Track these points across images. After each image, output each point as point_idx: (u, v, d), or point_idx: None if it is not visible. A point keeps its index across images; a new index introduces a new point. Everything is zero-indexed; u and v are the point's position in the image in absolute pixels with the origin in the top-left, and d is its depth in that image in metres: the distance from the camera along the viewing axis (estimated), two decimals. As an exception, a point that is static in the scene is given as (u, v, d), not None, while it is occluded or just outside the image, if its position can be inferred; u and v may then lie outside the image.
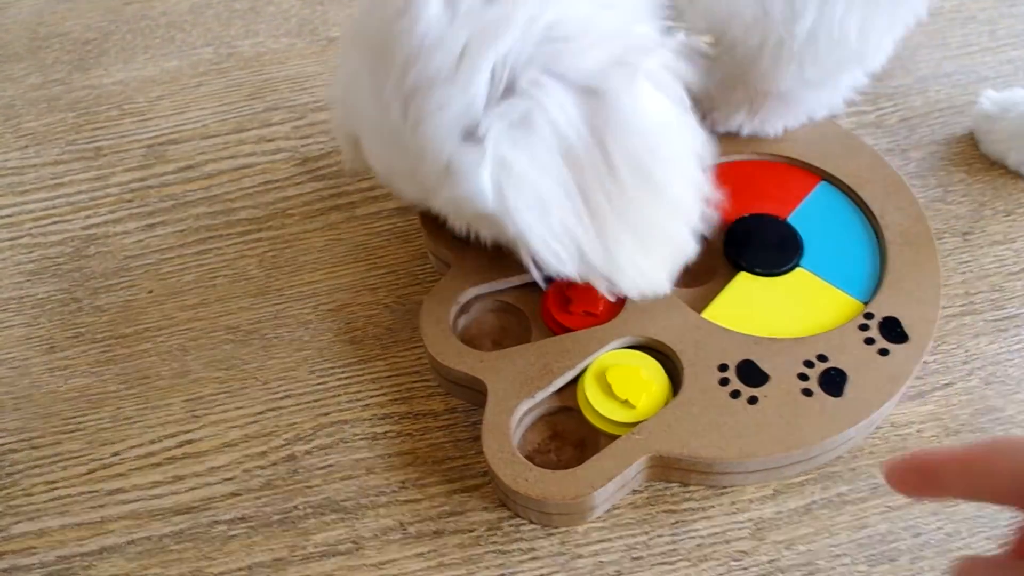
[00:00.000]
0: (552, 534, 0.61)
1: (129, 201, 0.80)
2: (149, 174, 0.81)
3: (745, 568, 0.58)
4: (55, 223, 0.79)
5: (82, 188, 0.81)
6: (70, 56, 0.91)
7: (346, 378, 0.69)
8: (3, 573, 0.62)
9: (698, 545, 0.59)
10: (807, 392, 0.61)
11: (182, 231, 0.77)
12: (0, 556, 0.63)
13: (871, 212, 0.70)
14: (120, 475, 0.66)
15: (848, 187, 0.71)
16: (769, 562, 0.59)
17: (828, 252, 0.68)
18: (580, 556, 0.60)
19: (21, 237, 0.78)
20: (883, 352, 0.63)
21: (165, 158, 0.82)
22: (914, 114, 0.81)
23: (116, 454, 0.67)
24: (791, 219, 0.70)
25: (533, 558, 0.60)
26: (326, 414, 0.67)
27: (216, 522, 0.63)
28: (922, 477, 0.36)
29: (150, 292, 0.74)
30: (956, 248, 0.73)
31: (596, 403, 0.60)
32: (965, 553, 0.60)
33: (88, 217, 0.79)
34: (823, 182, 0.72)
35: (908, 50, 0.86)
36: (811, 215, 0.70)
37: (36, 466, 0.66)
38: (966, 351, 0.68)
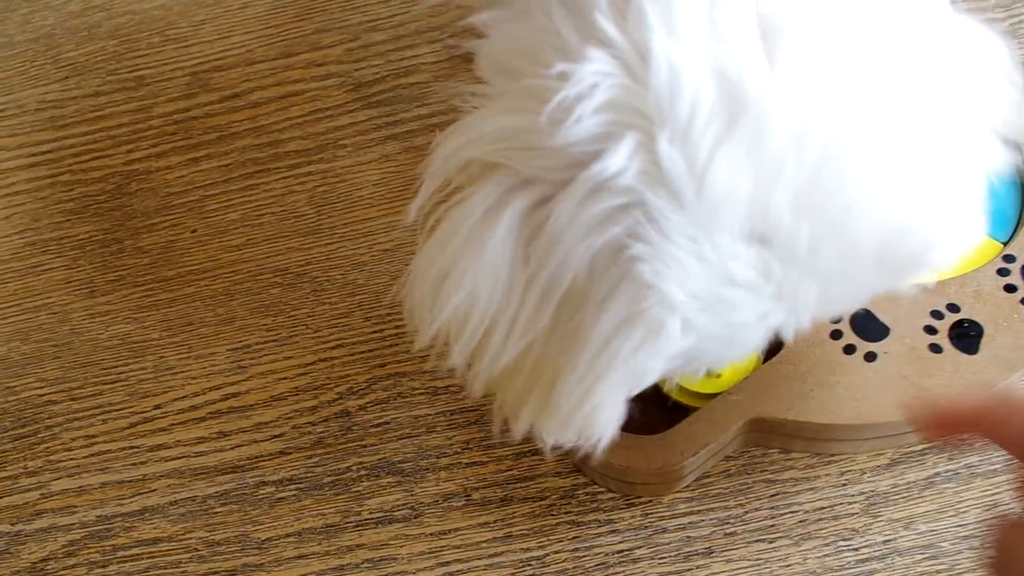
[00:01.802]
0: (634, 504, 0.52)
1: (172, 134, 0.71)
2: (193, 104, 0.72)
3: (856, 549, 0.49)
4: (96, 158, 0.71)
5: (123, 121, 0.73)
6: None
7: (405, 325, 0.60)
8: (42, 532, 0.56)
9: (801, 521, 0.50)
10: (935, 348, 0.50)
11: (227, 165, 0.69)
12: (39, 514, 0.56)
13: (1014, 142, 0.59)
14: (162, 430, 0.58)
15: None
16: (884, 543, 0.49)
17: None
18: (665, 530, 0.51)
19: (61, 174, 0.70)
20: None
21: (209, 86, 0.73)
22: (1036, 26, 0.69)
23: (158, 407, 0.59)
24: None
25: (612, 531, 0.51)
26: (382, 365, 0.59)
27: (263, 483, 0.56)
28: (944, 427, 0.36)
29: (194, 232, 0.66)
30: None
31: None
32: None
33: (130, 151, 0.71)
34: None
35: None
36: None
37: (76, 419, 0.59)
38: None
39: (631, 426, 0.50)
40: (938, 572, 0.49)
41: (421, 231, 0.40)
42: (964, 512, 0.50)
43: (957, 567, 0.49)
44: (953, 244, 0.36)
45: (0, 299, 0.65)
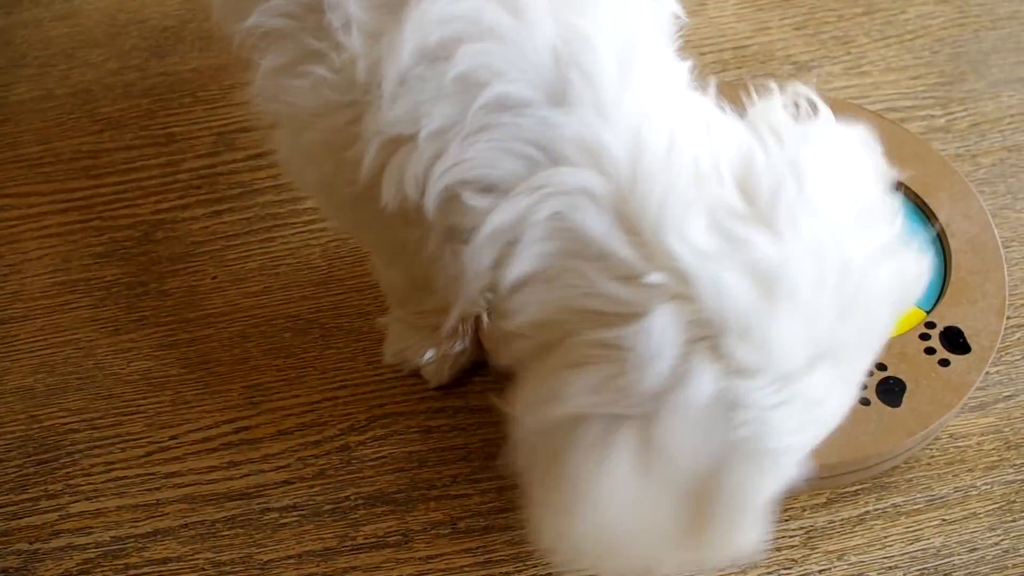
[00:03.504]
0: (601, 536, 0.58)
1: (198, 188, 0.77)
2: (218, 161, 0.79)
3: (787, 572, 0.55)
4: (126, 207, 0.77)
5: (153, 173, 0.79)
6: (147, 43, 0.89)
7: (403, 371, 0.66)
8: (59, 551, 0.61)
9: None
10: (865, 401, 0.56)
11: (248, 219, 0.75)
12: (57, 534, 0.61)
13: (936, 219, 0.65)
14: (176, 459, 0.64)
15: (914, 193, 0.67)
16: (819, 572, 0.55)
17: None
18: (629, 560, 0.56)
19: (92, 220, 0.77)
20: (944, 363, 0.58)
21: (235, 146, 0.80)
22: (985, 119, 0.76)
23: (174, 437, 0.65)
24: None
25: (582, 560, 0.57)
26: (381, 405, 0.65)
27: (268, 509, 0.61)
28: None
29: (214, 278, 0.72)
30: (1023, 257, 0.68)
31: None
32: (1022, 570, 0.55)
33: (158, 202, 0.77)
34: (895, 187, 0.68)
35: (981, 54, 0.80)
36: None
37: (96, 446, 0.65)
38: (1032, 365, 0.63)
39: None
40: None
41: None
42: (890, 545, 0.56)
43: None
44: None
45: (28, 334, 0.71)
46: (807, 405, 0.39)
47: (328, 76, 0.44)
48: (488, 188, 0.42)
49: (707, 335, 0.38)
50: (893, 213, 0.43)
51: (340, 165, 0.46)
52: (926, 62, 0.80)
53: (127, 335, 0.70)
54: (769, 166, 0.40)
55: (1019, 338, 0.64)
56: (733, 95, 0.51)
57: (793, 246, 0.38)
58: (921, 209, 0.66)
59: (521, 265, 0.41)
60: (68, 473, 0.64)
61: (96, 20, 0.93)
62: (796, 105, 0.44)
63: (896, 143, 0.70)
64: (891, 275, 0.41)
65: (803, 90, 0.44)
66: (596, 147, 0.40)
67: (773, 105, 0.43)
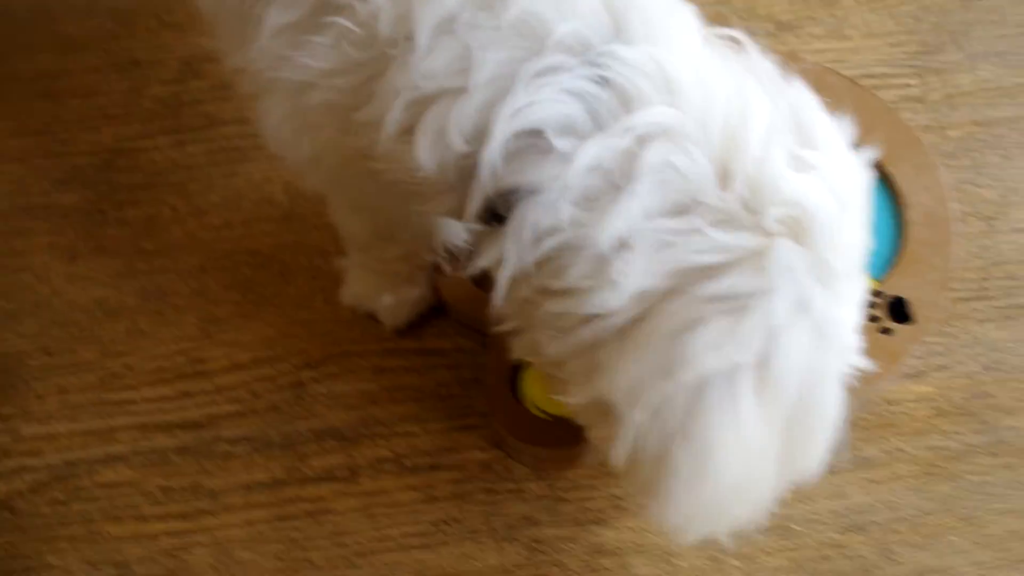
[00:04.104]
0: (542, 478, 0.65)
1: (161, 116, 0.84)
2: (182, 90, 0.85)
3: (725, 528, 0.63)
4: (87, 132, 0.83)
5: (115, 99, 0.85)
6: None
7: (359, 312, 0.73)
8: (10, 472, 0.68)
9: (681, 503, 0.64)
10: (805, 365, 0.64)
11: (211, 151, 0.82)
12: (9, 455, 0.69)
13: (898, 190, 0.73)
14: (130, 387, 0.71)
15: (880, 163, 0.74)
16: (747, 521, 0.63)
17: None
18: (565, 500, 0.64)
19: (52, 144, 0.83)
20: (885, 331, 0.66)
21: (200, 74, 0.86)
22: (959, 92, 0.83)
23: (128, 366, 0.72)
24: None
25: (520, 499, 0.65)
26: (336, 344, 0.72)
27: (219, 439, 0.69)
28: None
29: (174, 209, 0.79)
30: (979, 232, 0.76)
31: (542, 403, 0.65)
32: (941, 530, 0.64)
33: (120, 129, 0.83)
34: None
35: (964, 25, 0.87)
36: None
37: (50, 372, 0.72)
38: (971, 336, 0.71)
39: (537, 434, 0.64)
40: (787, 548, 0.63)
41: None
42: (815, 501, 0.65)
43: (804, 545, 0.63)
44: None
45: None
46: (856, 309, 0.45)
47: (353, 29, 0.45)
48: (567, 130, 0.44)
49: (818, 261, 0.42)
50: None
51: (345, 129, 0.48)
52: (908, 29, 0.87)
53: (84, 263, 0.77)
54: (805, 105, 0.46)
55: (963, 311, 0.72)
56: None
57: (841, 168, 0.44)
58: (885, 179, 0.74)
59: (627, 215, 0.42)
60: (21, 397, 0.71)
61: (59, -66, 0.98)
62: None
63: (865, 110, 0.76)
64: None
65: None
66: (668, 81, 0.43)
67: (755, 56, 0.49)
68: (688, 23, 0.47)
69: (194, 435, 0.69)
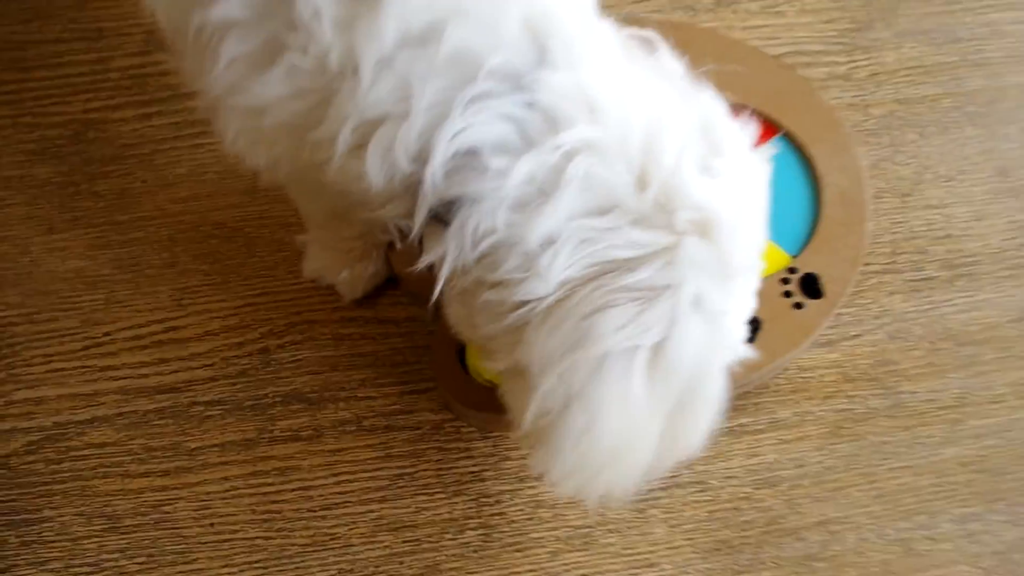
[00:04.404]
0: (487, 438, 0.76)
1: (127, 88, 0.92)
2: (148, 61, 0.93)
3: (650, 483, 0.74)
4: (56, 104, 0.91)
5: (82, 70, 0.92)
6: None
7: (319, 284, 0.83)
8: (6, 433, 0.78)
9: (610, 462, 0.75)
10: (723, 336, 0.75)
11: (176, 123, 0.90)
12: (3, 419, 0.78)
13: (816, 170, 0.83)
14: (111, 354, 0.81)
15: (800, 143, 0.84)
16: (670, 477, 0.74)
17: (774, 204, 0.81)
18: (509, 458, 0.75)
19: (22, 116, 0.90)
20: (798, 306, 0.77)
21: (165, 46, 0.94)
22: (884, 70, 0.92)
23: (108, 334, 0.81)
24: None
25: (468, 456, 0.76)
26: (298, 313, 0.82)
27: (195, 403, 0.79)
28: None
29: (144, 182, 0.87)
30: (893, 208, 0.86)
31: (485, 372, 0.75)
32: (841, 486, 0.76)
33: (88, 101, 0.91)
34: (781, 135, 0.84)
35: (892, 2, 0.96)
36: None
37: (35, 339, 0.81)
38: (880, 307, 0.82)
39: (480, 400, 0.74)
40: (704, 500, 0.75)
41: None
42: (731, 459, 0.76)
43: (719, 498, 0.75)
44: None
45: None
46: (751, 293, 0.56)
47: (301, 65, 0.53)
48: (503, 149, 0.52)
49: (720, 258, 0.52)
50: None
51: (299, 145, 0.57)
52: (840, 6, 0.96)
53: (61, 234, 0.86)
54: (709, 109, 0.55)
55: (873, 284, 0.82)
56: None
57: (742, 171, 0.54)
58: (805, 159, 0.83)
59: (552, 218, 0.51)
60: (10, 363, 0.80)
61: None
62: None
63: (789, 91, 0.86)
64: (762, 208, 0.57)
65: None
66: (591, 104, 0.52)
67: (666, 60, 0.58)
68: (606, 41, 0.56)
69: (171, 398, 0.79)
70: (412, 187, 0.55)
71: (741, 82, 0.83)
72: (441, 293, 0.58)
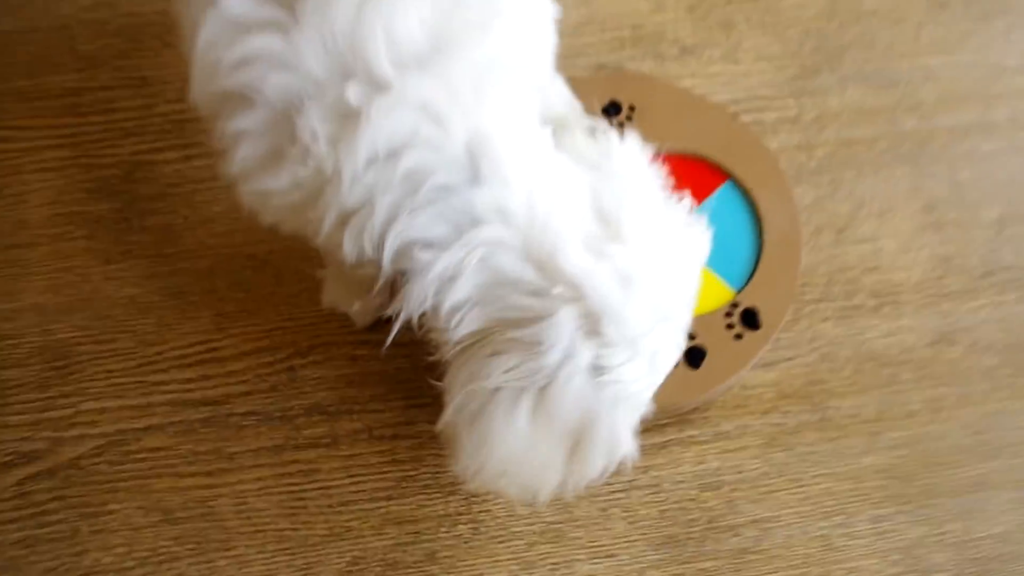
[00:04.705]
0: (477, 448, 0.90)
1: (169, 132, 1.03)
2: (186, 107, 1.04)
3: (609, 483, 0.85)
4: (108, 147, 1.03)
5: (130, 115, 1.04)
6: None
7: (336, 312, 0.95)
8: (76, 439, 0.91)
9: (578, 470, 0.89)
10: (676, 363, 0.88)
11: (213, 165, 1.01)
12: (73, 425, 0.92)
13: (760, 213, 0.95)
14: (162, 370, 0.94)
15: (746, 188, 0.95)
16: (628, 481, 0.87)
17: (720, 245, 0.93)
18: (494, 468, 0.89)
19: (80, 157, 1.02)
20: (738, 336, 0.88)
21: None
22: (828, 113, 1.03)
23: (159, 353, 0.94)
24: (697, 212, 0.94)
25: (461, 466, 0.90)
26: (319, 336, 0.95)
27: (233, 414, 0.92)
28: None
29: (186, 218, 0.99)
30: (830, 242, 0.97)
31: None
32: (774, 489, 0.89)
33: (136, 144, 1.03)
34: (729, 181, 0.96)
35: (839, 48, 1.06)
36: (716, 210, 0.93)
37: (98, 357, 0.94)
38: (813, 332, 0.93)
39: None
40: (657, 501, 0.87)
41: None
42: (682, 465, 0.87)
43: (669, 499, 0.87)
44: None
45: (37, 259, 0.98)
46: (649, 357, 0.67)
47: (300, 171, 0.66)
48: (430, 245, 0.67)
49: (589, 323, 0.64)
50: (691, 215, 0.71)
51: (301, 220, 0.70)
52: (792, 52, 1.06)
53: (116, 264, 0.98)
54: (610, 195, 0.66)
55: (809, 311, 0.94)
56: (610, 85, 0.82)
57: (636, 246, 0.65)
58: (751, 203, 0.95)
59: (460, 293, 0.66)
60: (77, 378, 0.94)
61: (68, -52, 1.16)
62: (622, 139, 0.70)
63: (737, 140, 0.98)
64: (692, 264, 0.69)
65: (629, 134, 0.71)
66: (503, 210, 0.65)
67: (604, 146, 0.70)
68: (536, 151, 0.68)
69: (213, 410, 0.92)
70: (376, 259, 0.70)
71: (695, 132, 0.96)
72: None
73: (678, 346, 0.70)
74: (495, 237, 0.65)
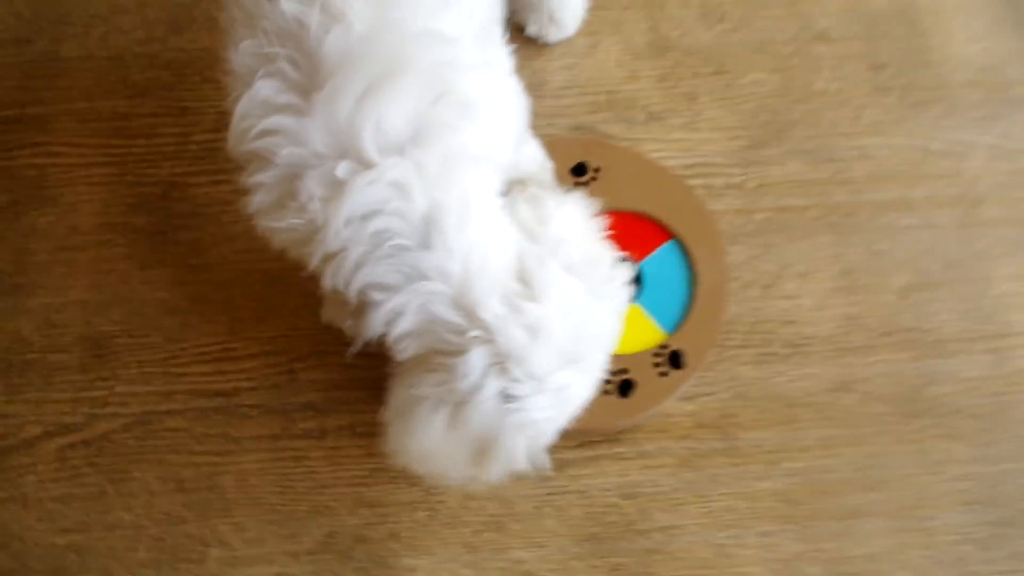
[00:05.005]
0: (439, 450, 1.09)
1: (203, 158, 1.22)
2: (219, 137, 1.22)
3: (546, 486, 1.05)
4: (150, 167, 1.21)
5: (170, 140, 1.23)
6: (167, 16, 1.28)
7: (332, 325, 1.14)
8: (109, 416, 1.11)
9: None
10: (607, 391, 1.06)
11: (237, 190, 1.19)
12: (107, 405, 1.11)
13: (695, 268, 1.12)
14: (184, 364, 1.13)
15: (687, 246, 1.13)
16: (560, 486, 1.06)
17: (660, 294, 1.10)
18: (451, 468, 1.08)
19: (125, 175, 1.21)
20: (663, 374, 1.07)
21: (230, 125, 1.24)
22: (769, 182, 1.20)
23: (183, 349, 1.13)
24: (644, 264, 1.12)
25: (424, 464, 1.08)
26: (317, 345, 1.13)
27: (240, 405, 1.11)
28: None
29: (212, 235, 1.18)
30: (756, 296, 1.14)
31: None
32: (682, 502, 1.07)
33: (173, 166, 1.21)
34: (673, 239, 1.14)
35: (787, 124, 1.23)
36: (659, 264, 1.12)
37: (132, 349, 1.13)
38: (732, 373, 1.11)
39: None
40: (584, 504, 1.05)
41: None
42: (608, 477, 1.05)
43: (595, 503, 1.05)
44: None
45: (85, 261, 1.17)
46: (555, 393, 0.84)
47: (298, 219, 0.83)
48: (384, 288, 0.83)
49: (499, 361, 0.81)
50: (614, 271, 0.86)
51: (300, 252, 0.87)
52: (745, 125, 1.23)
53: (151, 271, 1.17)
54: (532, 259, 0.82)
55: (730, 355, 1.11)
56: (580, 148, 0.99)
57: (547, 308, 0.81)
58: (690, 259, 1.13)
59: (403, 327, 0.83)
60: (113, 365, 1.13)
61: (126, -14, 1.34)
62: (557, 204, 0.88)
63: (684, 203, 1.15)
64: (609, 315, 0.86)
65: (570, 198, 0.88)
66: (442, 270, 0.81)
67: (539, 212, 0.86)
68: (478, 223, 0.82)
69: (224, 401, 1.11)
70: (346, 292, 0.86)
71: (649, 195, 1.14)
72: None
73: (590, 384, 0.86)
74: (433, 290, 0.81)
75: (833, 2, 1.29)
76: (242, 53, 0.86)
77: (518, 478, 0.85)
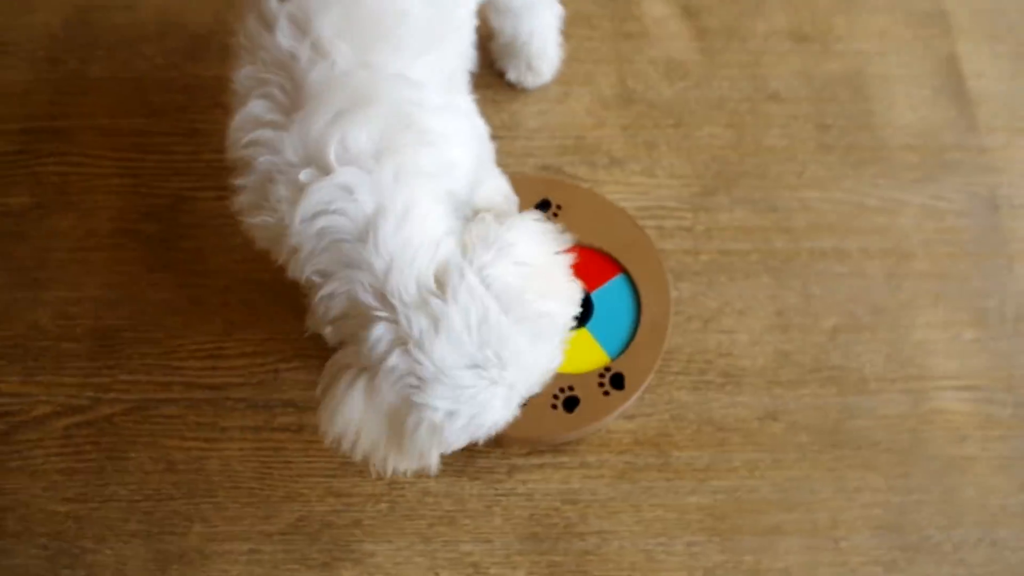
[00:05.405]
0: (403, 450, 1.22)
1: (209, 176, 1.36)
2: (224, 157, 1.37)
3: (496, 488, 1.19)
4: (162, 181, 1.36)
5: (181, 158, 1.37)
6: (184, 45, 1.43)
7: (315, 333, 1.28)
8: (112, 400, 1.25)
9: (477, 470, 1.20)
10: (554, 406, 1.19)
11: (238, 205, 1.35)
12: (110, 390, 1.25)
13: (641, 302, 1.26)
14: (181, 359, 1.27)
15: (635, 281, 1.27)
16: (509, 488, 1.19)
17: (607, 322, 1.24)
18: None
19: (139, 187, 1.35)
20: (606, 393, 1.20)
21: (236, 146, 1.38)
22: (716, 227, 1.33)
23: (181, 346, 1.27)
24: (595, 294, 1.26)
25: (388, 461, 1.22)
26: (300, 349, 1.27)
27: (229, 398, 1.25)
28: None
29: (213, 245, 1.32)
30: (696, 329, 1.28)
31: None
32: (617, 510, 1.20)
33: (182, 181, 1.36)
34: (623, 273, 1.27)
35: (737, 175, 1.37)
36: (608, 294, 1.26)
37: (136, 342, 1.27)
38: (670, 397, 1.25)
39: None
40: (529, 506, 1.18)
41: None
42: (550, 483, 1.19)
43: (539, 506, 1.18)
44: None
45: (99, 260, 1.31)
46: (454, 388, 0.92)
47: (270, 218, 0.95)
48: (325, 274, 0.90)
49: (404, 340, 0.91)
50: (543, 304, 0.98)
51: (276, 249, 0.99)
52: (698, 174, 1.37)
53: (157, 274, 1.31)
54: (454, 268, 0.91)
55: (670, 380, 1.24)
56: (545, 186, 1.13)
57: (452, 308, 0.91)
58: (636, 292, 1.26)
59: (333, 311, 0.90)
60: (118, 356, 1.27)
61: (149, 15, 1.48)
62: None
63: (636, 243, 1.29)
64: (528, 340, 0.97)
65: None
66: (368, 264, 0.90)
67: (484, 233, 0.95)
68: (413, 229, 0.91)
69: (215, 394, 1.25)
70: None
71: (605, 232, 1.28)
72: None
73: (501, 395, 0.93)
74: (358, 277, 0.89)
75: (786, 66, 1.43)
76: (243, 76, 1.01)
77: (433, 474, 0.96)
